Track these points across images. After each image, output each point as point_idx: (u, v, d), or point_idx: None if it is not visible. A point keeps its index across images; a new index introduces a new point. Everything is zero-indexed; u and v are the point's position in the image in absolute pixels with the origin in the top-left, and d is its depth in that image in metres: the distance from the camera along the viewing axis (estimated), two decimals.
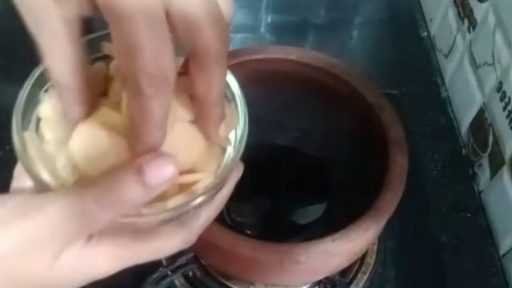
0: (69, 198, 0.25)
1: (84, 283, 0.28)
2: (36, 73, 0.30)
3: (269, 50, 0.55)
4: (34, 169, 0.28)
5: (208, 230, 0.42)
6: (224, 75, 0.28)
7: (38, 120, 0.30)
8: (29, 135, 0.29)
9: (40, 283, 0.26)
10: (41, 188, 0.28)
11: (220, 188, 0.30)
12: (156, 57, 0.24)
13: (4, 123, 0.29)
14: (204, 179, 0.29)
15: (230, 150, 0.31)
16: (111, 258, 0.28)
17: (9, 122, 0.28)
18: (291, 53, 0.54)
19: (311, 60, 0.54)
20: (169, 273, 0.52)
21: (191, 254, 0.52)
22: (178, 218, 0.29)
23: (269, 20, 0.84)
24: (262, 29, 0.83)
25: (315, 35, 0.83)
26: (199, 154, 0.29)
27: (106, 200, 0.25)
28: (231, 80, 0.32)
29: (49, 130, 0.30)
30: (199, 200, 0.28)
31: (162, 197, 0.27)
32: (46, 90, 0.31)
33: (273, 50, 0.55)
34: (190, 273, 0.53)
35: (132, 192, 0.25)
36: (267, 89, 0.55)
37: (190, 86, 0.28)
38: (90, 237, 0.27)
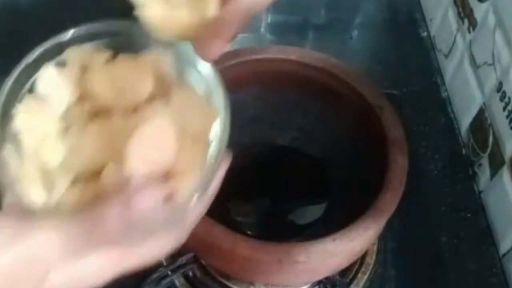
0: (59, 229, 0.26)
1: None
2: (6, 86, 0.29)
3: (269, 50, 0.55)
4: (16, 189, 0.28)
5: (208, 230, 0.43)
6: None
7: (16, 134, 0.30)
8: (7, 152, 0.29)
9: None
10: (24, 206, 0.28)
11: (209, 184, 0.30)
12: None
13: None
14: (189, 182, 0.29)
15: (215, 144, 0.31)
16: (107, 266, 0.28)
17: None
18: (291, 53, 0.54)
19: (311, 60, 0.54)
20: (169, 273, 0.52)
21: (191, 254, 0.52)
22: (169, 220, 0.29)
23: (269, 20, 0.84)
24: (262, 29, 0.83)
25: (315, 35, 0.83)
26: (180, 152, 0.29)
27: (93, 232, 0.26)
28: (207, 68, 0.32)
29: (31, 140, 0.29)
30: (187, 203, 0.28)
31: None
32: (20, 101, 0.30)
33: (273, 50, 0.55)
34: (190, 273, 0.53)
35: (117, 224, 0.26)
36: (267, 89, 0.55)
37: None
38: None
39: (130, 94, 0.31)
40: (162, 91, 0.31)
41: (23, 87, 0.30)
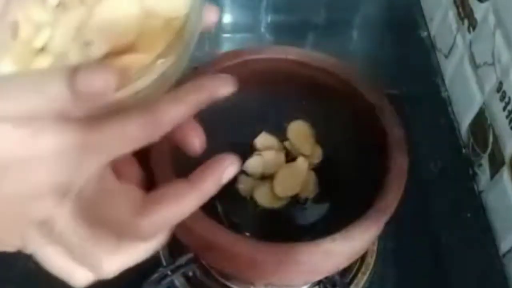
0: None
1: None
2: None
3: (269, 50, 0.55)
4: None
5: (208, 230, 0.43)
6: None
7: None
8: None
9: None
10: None
11: (176, 70, 0.27)
12: None
13: None
14: (147, 60, 0.26)
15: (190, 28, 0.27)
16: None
17: None
18: (291, 53, 0.54)
19: (311, 60, 0.54)
20: (169, 273, 0.52)
21: (191, 254, 0.52)
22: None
23: (269, 20, 0.84)
24: (262, 29, 0.83)
25: (315, 35, 0.83)
26: (143, 31, 0.27)
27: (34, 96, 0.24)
28: None
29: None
30: (142, 83, 0.25)
31: None
32: None
33: (273, 50, 0.55)
34: (190, 273, 0.53)
35: (62, 97, 0.24)
36: (267, 89, 0.55)
37: None
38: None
39: None
40: None
41: None
